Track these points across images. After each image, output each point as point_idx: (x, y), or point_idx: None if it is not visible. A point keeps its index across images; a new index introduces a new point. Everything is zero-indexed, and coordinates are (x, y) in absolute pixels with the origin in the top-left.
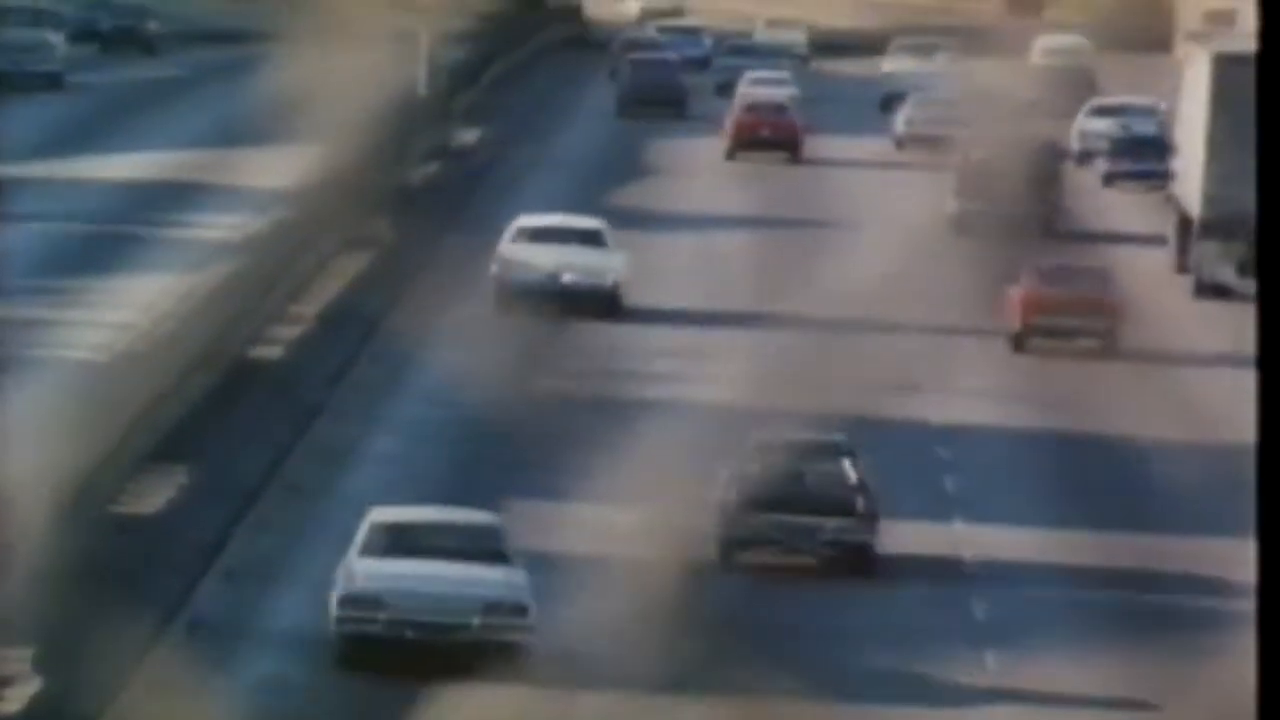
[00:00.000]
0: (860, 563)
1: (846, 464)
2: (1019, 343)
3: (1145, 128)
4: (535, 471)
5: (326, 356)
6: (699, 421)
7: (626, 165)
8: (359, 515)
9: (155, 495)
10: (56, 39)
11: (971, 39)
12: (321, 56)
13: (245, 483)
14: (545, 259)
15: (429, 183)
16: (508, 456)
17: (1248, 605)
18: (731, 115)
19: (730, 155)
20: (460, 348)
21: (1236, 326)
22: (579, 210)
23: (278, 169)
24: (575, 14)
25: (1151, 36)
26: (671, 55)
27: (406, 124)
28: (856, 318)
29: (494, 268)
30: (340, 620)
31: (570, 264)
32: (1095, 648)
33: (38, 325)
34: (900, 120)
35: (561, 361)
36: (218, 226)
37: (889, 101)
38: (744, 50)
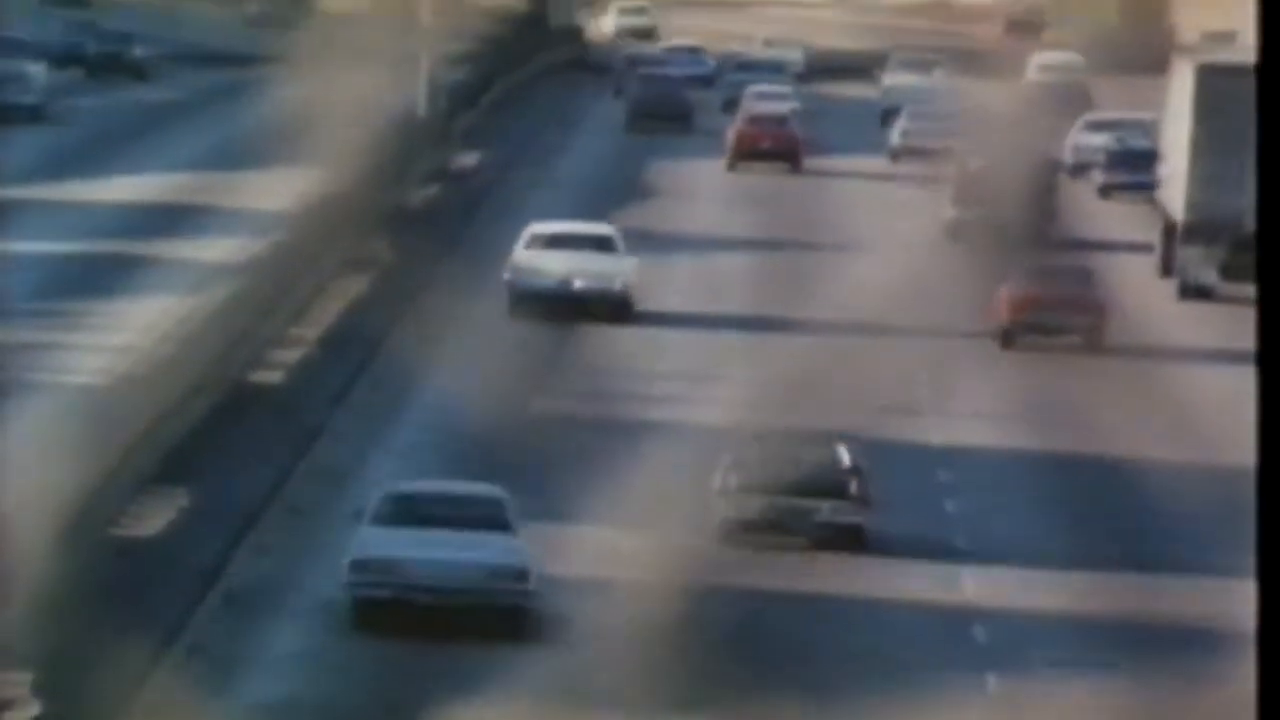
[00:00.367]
0: (853, 543)
1: (840, 449)
2: (1007, 340)
3: (1139, 141)
4: (533, 496)
5: (327, 378)
6: (700, 441)
7: (628, 186)
8: None
9: (155, 518)
10: (36, 69)
11: (970, 60)
12: (321, 78)
13: (246, 505)
14: (557, 265)
15: (429, 204)
16: (507, 476)
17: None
18: (733, 127)
19: (731, 166)
20: (461, 369)
21: (1218, 326)
22: None
23: (278, 191)
24: (576, 35)
25: (1151, 59)
26: (676, 72)
27: (406, 146)
28: (857, 320)
29: (507, 274)
30: (352, 585)
31: (582, 270)
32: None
33: (38, 349)
34: (895, 132)
35: (563, 381)
36: (218, 249)
37: (889, 116)
38: (751, 66)
